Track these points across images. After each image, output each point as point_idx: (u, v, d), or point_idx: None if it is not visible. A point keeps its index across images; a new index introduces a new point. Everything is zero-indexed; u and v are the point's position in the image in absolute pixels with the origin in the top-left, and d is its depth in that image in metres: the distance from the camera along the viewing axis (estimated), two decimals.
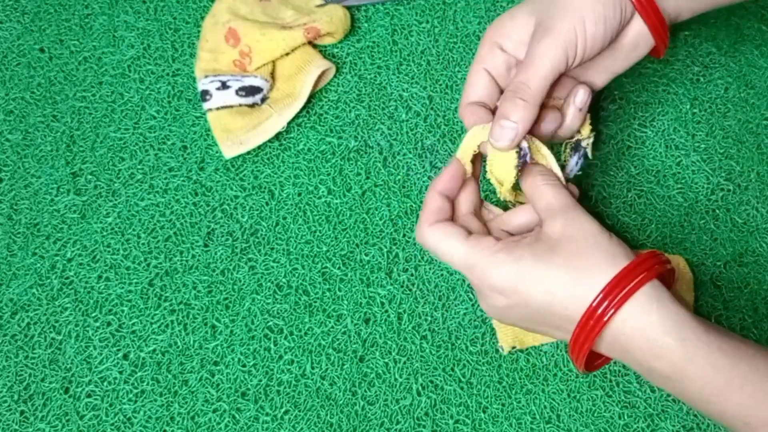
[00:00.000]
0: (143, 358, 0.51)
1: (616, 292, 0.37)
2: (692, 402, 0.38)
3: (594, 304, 0.37)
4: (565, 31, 0.41)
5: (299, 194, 0.55)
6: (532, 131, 0.44)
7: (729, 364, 0.36)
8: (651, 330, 0.37)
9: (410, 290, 0.52)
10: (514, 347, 0.50)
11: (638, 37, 0.44)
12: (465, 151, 0.45)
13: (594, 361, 0.42)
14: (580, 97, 0.45)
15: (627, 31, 0.44)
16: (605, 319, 0.37)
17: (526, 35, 0.44)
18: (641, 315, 0.37)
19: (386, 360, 0.51)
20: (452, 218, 0.44)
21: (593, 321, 0.37)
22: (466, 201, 0.45)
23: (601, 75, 0.47)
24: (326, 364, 0.51)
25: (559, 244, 0.39)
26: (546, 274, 0.39)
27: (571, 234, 0.39)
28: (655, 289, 0.38)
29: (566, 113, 0.45)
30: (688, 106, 0.57)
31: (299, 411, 0.50)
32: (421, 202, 0.54)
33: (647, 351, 0.37)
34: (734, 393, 0.36)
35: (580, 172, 0.49)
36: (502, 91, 0.46)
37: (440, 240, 0.42)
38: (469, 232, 0.42)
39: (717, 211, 0.54)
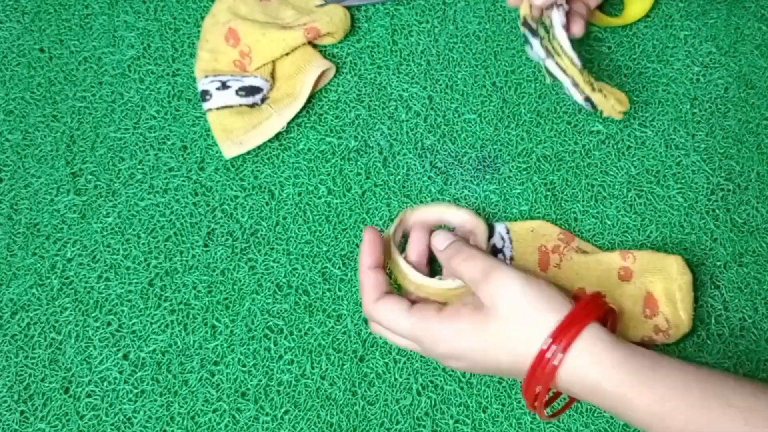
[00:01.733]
0: (143, 358, 0.51)
1: (563, 336, 0.39)
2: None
3: (544, 348, 0.39)
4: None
5: (299, 194, 0.55)
6: None
7: (660, 400, 0.38)
8: (591, 379, 0.39)
9: None
10: None
11: None
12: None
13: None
14: None
15: None
16: (555, 363, 0.39)
17: None
18: (580, 364, 0.39)
19: (386, 360, 0.51)
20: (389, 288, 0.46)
21: (542, 369, 0.40)
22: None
23: None
24: (326, 364, 0.51)
25: (490, 312, 0.41)
26: (485, 344, 0.41)
27: (497, 301, 0.41)
28: (595, 332, 0.40)
29: None
30: (688, 106, 0.57)
31: (299, 411, 0.50)
32: (421, 201, 0.54)
33: (589, 393, 0.40)
34: (674, 423, 0.38)
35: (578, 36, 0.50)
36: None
37: (388, 317, 0.44)
38: (412, 302, 0.44)
39: (717, 211, 0.54)
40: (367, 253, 0.46)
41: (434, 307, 0.44)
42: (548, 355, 0.39)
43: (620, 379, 0.39)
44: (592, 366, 0.39)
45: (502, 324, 0.41)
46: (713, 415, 0.37)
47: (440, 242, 0.46)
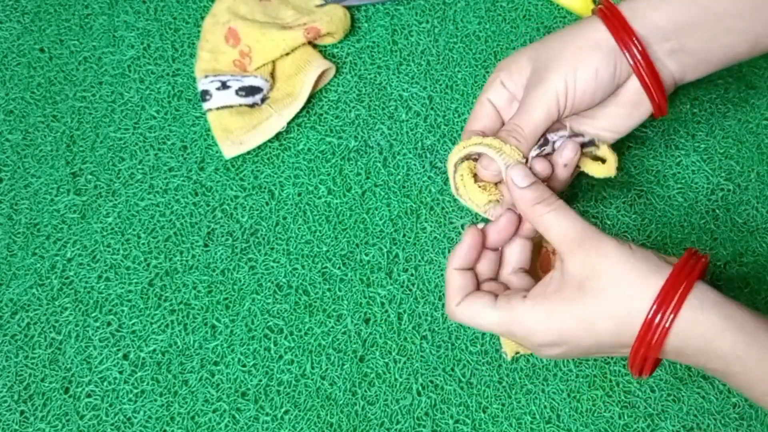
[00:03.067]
0: (143, 358, 0.51)
1: (668, 301, 0.37)
2: (750, 397, 0.38)
3: (650, 316, 0.37)
4: (556, 82, 0.43)
5: (299, 194, 0.55)
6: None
7: None
8: (703, 335, 0.37)
9: (410, 290, 0.52)
10: (517, 352, 0.50)
11: (638, 95, 0.45)
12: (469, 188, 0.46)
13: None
14: (566, 153, 0.45)
15: (626, 88, 0.45)
16: (666, 325, 0.37)
17: (524, 78, 0.46)
18: (689, 326, 0.37)
19: (386, 360, 0.51)
20: (477, 285, 0.43)
21: (652, 333, 0.37)
22: (484, 270, 0.44)
23: (606, 133, 0.47)
24: (326, 364, 0.51)
25: (586, 284, 0.38)
26: (584, 320, 0.38)
27: (596, 269, 0.38)
28: (701, 292, 0.37)
29: (555, 163, 0.46)
30: (688, 106, 0.57)
31: (299, 411, 0.50)
32: (421, 201, 0.54)
33: (700, 355, 0.38)
34: None
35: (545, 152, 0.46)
36: (503, 122, 0.47)
37: (473, 317, 0.41)
38: (495, 295, 0.42)
39: (717, 211, 0.54)
40: (460, 255, 0.43)
41: (520, 295, 0.40)
42: (657, 320, 0.36)
43: (735, 339, 0.36)
44: (705, 325, 0.37)
45: (600, 297, 0.38)
46: None
47: (522, 179, 0.42)
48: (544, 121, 0.44)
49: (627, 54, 0.43)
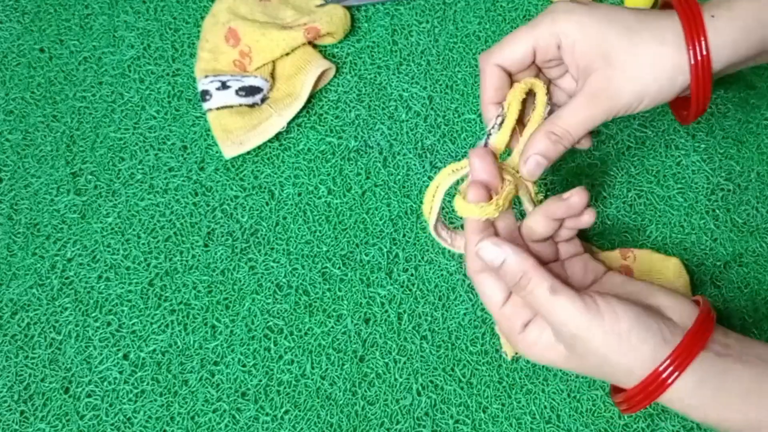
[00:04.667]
0: (143, 358, 0.51)
1: (680, 361, 0.37)
2: None
3: (660, 369, 0.37)
4: (624, 103, 0.41)
5: (299, 194, 0.55)
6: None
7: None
8: (692, 407, 0.38)
9: (410, 290, 0.52)
10: (517, 353, 0.50)
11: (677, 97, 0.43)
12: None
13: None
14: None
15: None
16: (669, 381, 0.37)
17: (574, 56, 0.42)
18: (686, 391, 0.37)
19: (386, 360, 0.51)
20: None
21: (656, 385, 0.37)
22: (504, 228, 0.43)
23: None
24: (326, 364, 0.51)
25: (579, 359, 0.39)
26: (577, 368, 0.40)
27: (584, 354, 0.39)
28: (699, 367, 0.38)
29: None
30: None
31: (299, 411, 0.50)
32: (421, 201, 0.54)
33: (686, 412, 0.38)
34: None
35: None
36: (511, 81, 0.45)
37: (479, 289, 0.42)
38: (509, 293, 0.41)
39: (717, 211, 0.54)
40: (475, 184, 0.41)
41: (522, 320, 0.40)
42: (664, 375, 0.37)
43: (723, 416, 0.38)
44: (698, 393, 0.37)
45: (594, 365, 0.39)
46: None
47: (491, 260, 0.40)
48: (593, 126, 0.42)
49: (692, 69, 0.41)
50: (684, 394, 0.38)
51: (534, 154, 0.42)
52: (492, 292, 0.41)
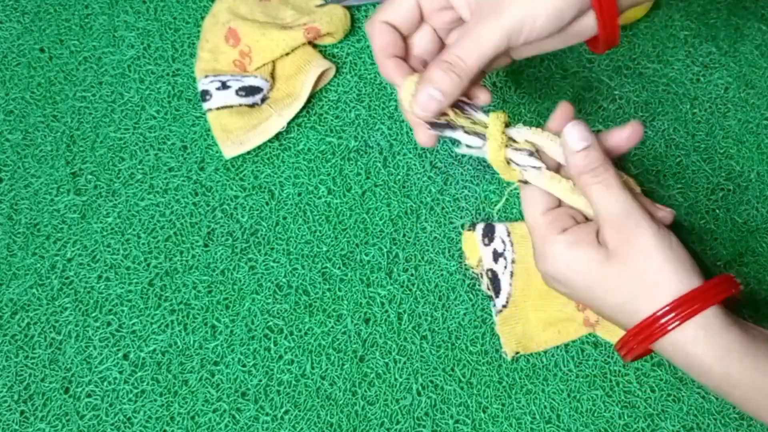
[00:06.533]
0: (143, 358, 0.51)
1: (685, 309, 0.37)
2: (739, 408, 0.40)
3: (659, 314, 0.38)
4: (515, 18, 0.38)
5: (299, 194, 0.55)
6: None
7: None
8: (699, 353, 0.38)
9: (410, 290, 0.52)
10: (517, 352, 0.50)
11: (585, 27, 0.41)
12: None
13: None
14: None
15: (576, 21, 0.40)
16: (669, 328, 0.38)
17: None
18: (691, 340, 0.38)
19: (386, 360, 0.51)
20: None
21: (651, 330, 0.38)
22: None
23: (529, 50, 0.43)
24: (326, 364, 0.51)
25: (615, 256, 0.39)
26: (598, 283, 0.39)
27: (628, 250, 0.39)
28: (712, 315, 0.38)
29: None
30: (688, 106, 0.57)
31: (299, 411, 0.50)
32: (421, 201, 0.54)
33: (691, 369, 0.39)
34: None
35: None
36: (405, 44, 0.43)
37: (528, 200, 0.41)
38: (557, 203, 0.41)
39: (717, 211, 0.54)
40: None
41: (563, 226, 0.40)
42: (663, 320, 0.37)
43: (729, 364, 0.37)
44: (704, 345, 0.37)
45: (621, 274, 0.39)
46: None
47: (576, 141, 0.39)
48: (491, 54, 0.39)
49: None
50: (684, 343, 0.38)
51: (425, 88, 0.40)
52: (539, 200, 0.41)
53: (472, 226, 0.52)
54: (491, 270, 0.51)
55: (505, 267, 0.51)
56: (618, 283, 0.39)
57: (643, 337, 0.39)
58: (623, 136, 0.41)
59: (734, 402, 0.39)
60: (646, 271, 0.38)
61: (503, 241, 0.51)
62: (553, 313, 0.50)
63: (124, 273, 0.53)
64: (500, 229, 0.52)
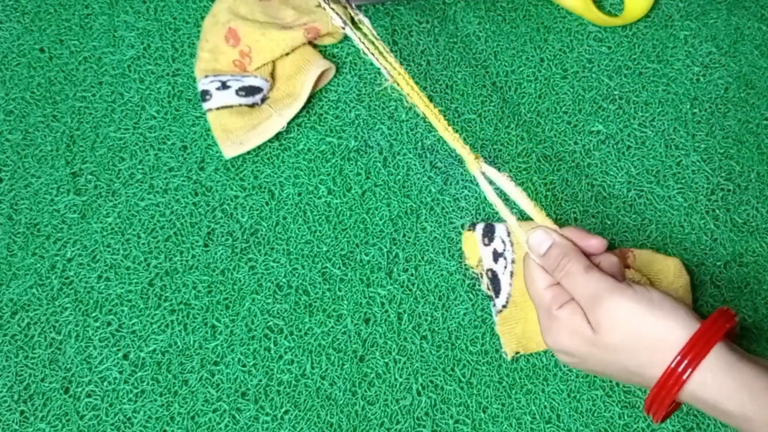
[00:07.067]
0: (143, 358, 0.51)
1: (693, 354, 0.38)
2: None
3: (673, 365, 0.38)
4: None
5: (299, 194, 0.55)
6: None
7: None
8: (713, 394, 0.38)
9: (410, 290, 0.52)
10: (517, 352, 0.50)
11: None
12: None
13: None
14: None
15: None
16: (684, 378, 0.38)
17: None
18: (701, 385, 0.38)
19: (386, 360, 0.51)
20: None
21: (671, 382, 0.39)
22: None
23: None
24: (326, 364, 0.51)
25: (602, 335, 0.40)
26: (595, 357, 0.40)
27: (610, 327, 0.40)
28: (717, 354, 0.38)
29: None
30: (688, 106, 0.57)
31: (299, 411, 0.50)
32: (421, 201, 0.54)
33: (711, 411, 0.39)
34: None
35: None
36: None
37: (531, 274, 0.43)
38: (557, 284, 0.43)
39: (717, 211, 0.54)
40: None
41: (562, 301, 0.42)
42: (678, 370, 0.38)
43: (742, 403, 0.38)
44: (715, 386, 0.38)
45: (615, 350, 0.40)
46: None
47: (538, 244, 0.43)
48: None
49: None
50: (702, 385, 0.38)
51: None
52: (542, 275, 0.42)
53: (472, 226, 0.52)
54: (491, 270, 0.51)
55: (505, 267, 0.51)
56: (616, 357, 0.40)
57: (664, 395, 0.39)
58: (586, 243, 0.43)
59: None
60: (639, 333, 0.39)
61: (503, 241, 0.51)
62: None
63: (124, 273, 0.53)
64: (500, 229, 0.52)
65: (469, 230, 0.52)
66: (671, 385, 0.39)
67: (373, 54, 0.48)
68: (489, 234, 0.52)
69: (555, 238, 0.43)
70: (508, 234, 0.52)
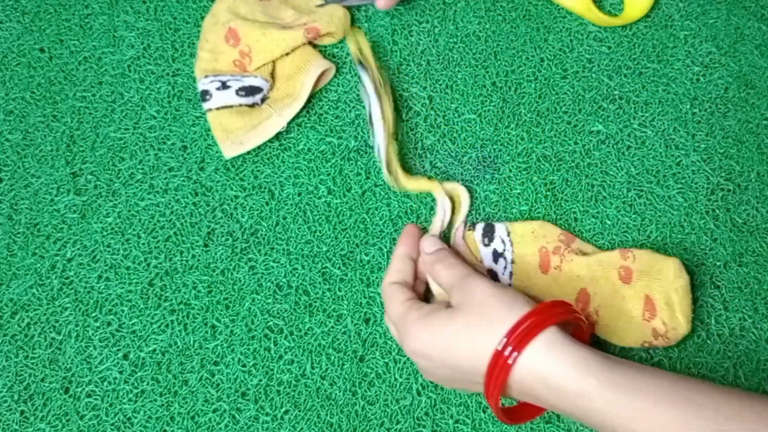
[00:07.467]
0: (143, 358, 0.51)
1: (519, 335, 0.40)
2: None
3: (499, 348, 0.40)
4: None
5: (299, 194, 0.55)
6: None
7: (627, 398, 0.38)
8: (550, 376, 0.40)
9: None
10: None
11: None
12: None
13: (521, 411, 0.46)
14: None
15: None
16: (510, 362, 0.40)
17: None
18: (540, 361, 0.40)
19: (386, 360, 0.51)
20: (413, 278, 0.49)
21: (499, 367, 0.40)
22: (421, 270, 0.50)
23: None
24: (326, 364, 0.51)
25: (458, 310, 0.43)
26: (450, 338, 0.42)
27: (466, 300, 0.43)
28: (553, 334, 0.40)
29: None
30: (688, 106, 0.57)
31: (299, 411, 0.50)
32: (421, 201, 0.54)
33: (549, 393, 0.40)
34: (638, 425, 0.38)
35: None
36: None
37: (387, 299, 0.47)
38: (417, 295, 0.47)
39: (717, 211, 0.54)
40: (403, 242, 0.50)
41: (421, 306, 0.45)
42: (506, 353, 0.40)
43: (581, 377, 0.39)
44: (550, 364, 0.39)
45: (465, 323, 0.42)
46: (680, 416, 0.37)
47: (428, 246, 0.49)
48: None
49: None
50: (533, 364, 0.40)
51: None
52: (397, 291, 0.47)
53: (472, 226, 0.52)
54: (491, 270, 0.51)
55: (505, 267, 0.51)
56: (465, 334, 0.42)
57: (495, 378, 0.40)
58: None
59: (592, 423, 0.40)
60: (485, 312, 0.42)
61: (503, 241, 0.51)
62: None
63: (124, 273, 0.53)
64: (500, 228, 0.52)
65: (469, 230, 0.52)
66: (501, 366, 0.40)
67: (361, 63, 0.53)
68: (489, 234, 0.52)
69: (440, 244, 0.49)
70: (508, 234, 0.52)
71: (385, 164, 0.52)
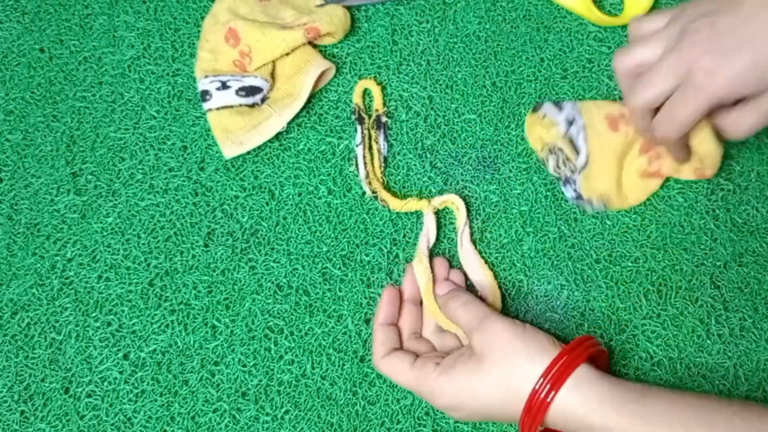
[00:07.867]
0: (143, 358, 0.51)
1: (555, 374, 0.42)
2: None
3: (537, 388, 0.42)
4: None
5: (299, 194, 0.55)
6: None
7: (640, 425, 0.41)
8: (578, 411, 0.42)
9: None
10: (605, 205, 0.52)
11: None
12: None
13: None
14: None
15: None
16: (548, 400, 0.42)
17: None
18: (569, 397, 0.42)
19: None
20: (401, 343, 0.50)
21: (536, 406, 0.42)
22: (406, 326, 0.50)
23: None
24: (327, 364, 0.51)
25: (483, 357, 0.44)
26: (480, 386, 0.44)
27: (490, 343, 0.44)
28: (582, 370, 0.43)
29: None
30: None
31: (300, 411, 0.50)
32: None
33: (579, 428, 0.43)
34: None
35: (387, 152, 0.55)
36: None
37: (393, 372, 0.47)
38: (417, 356, 0.47)
39: (717, 211, 0.54)
40: (382, 309, 0.50)
41: (434, 362, 0.46)
42: (542, 394, 0.42)
43: (605, 413, 0.42)
44: (580, 403, 0.42)
45: (492, 369, 0.44)
46: None
47: (441, 288, 0.50)
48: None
49: None
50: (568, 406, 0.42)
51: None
52: (401, 361, 0.47)
53: (536, 107, 0.53)
54: (567, 135, 0.52)
55: (578, 131, 0.52)
56: (495, 376, 0.43)
57: (533, 415, 0.42)
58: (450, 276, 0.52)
59: None
60: (511, 354, 0.44)
61: (573, 109, 0.53)
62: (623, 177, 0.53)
63: (124, 273, 0.53)
64: (567, 104, 0.53)
65: (534, 113, 0.53)
66: (539, 405, 0.42)
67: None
68: (558, 105, 0.53)
69: (452, 285, 0.51)
70: (575, 106, 0.53)
71: (371, 195, 0.53)
